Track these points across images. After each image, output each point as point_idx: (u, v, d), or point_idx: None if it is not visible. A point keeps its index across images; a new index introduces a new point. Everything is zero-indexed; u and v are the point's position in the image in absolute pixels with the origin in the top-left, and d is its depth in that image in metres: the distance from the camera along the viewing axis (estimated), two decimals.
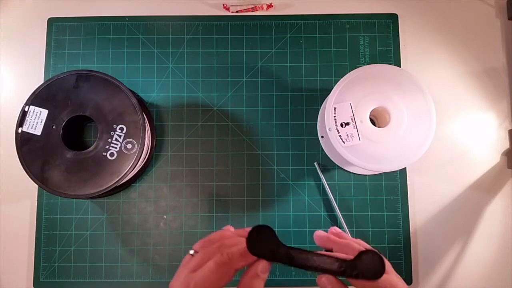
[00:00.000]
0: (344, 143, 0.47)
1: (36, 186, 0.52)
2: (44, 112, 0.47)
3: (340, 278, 0.30)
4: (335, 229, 0.38)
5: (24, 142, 0.47)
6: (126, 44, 0.57)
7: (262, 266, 0.29)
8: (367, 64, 0.56)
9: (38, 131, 0.47)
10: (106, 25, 0.57)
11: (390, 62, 0.56)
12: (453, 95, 0.56)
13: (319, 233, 0.36)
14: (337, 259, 0.29)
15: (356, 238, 0.41)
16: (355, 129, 0.47)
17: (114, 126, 0.48)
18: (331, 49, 0.56)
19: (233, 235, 0.33)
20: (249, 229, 0.30)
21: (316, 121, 0.55)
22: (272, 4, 0.57)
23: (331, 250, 0.35)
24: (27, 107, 0.47)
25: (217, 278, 0.29)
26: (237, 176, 0.54)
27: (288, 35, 0.57)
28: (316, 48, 0.56)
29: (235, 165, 0.54)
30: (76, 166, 0.47)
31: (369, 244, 0.35)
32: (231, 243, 0.31)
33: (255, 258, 0.29)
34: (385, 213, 0.53)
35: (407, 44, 0.57)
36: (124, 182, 0.49)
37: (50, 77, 0.49)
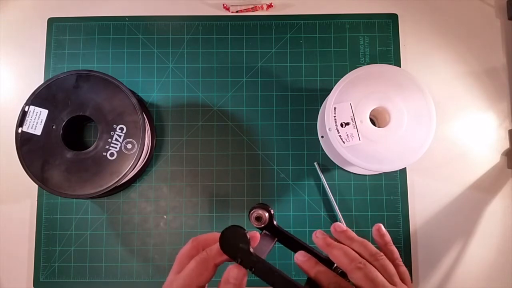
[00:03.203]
0: (344, 143, 0.47)
1: (36, 186, 0.52)
2: (44, 112, 0.47)
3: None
4: (338, 226, 0.36)
5: (24, 142, 0.47)
6: (126, 44, 0.57)
7: (233, 272, 0.29)
8: (367, 64, 0.56)
9: (38, 131, 0.47)
10: (106, 25, 0.57)
11: (390, 62, 0.56)
12: (453, 95, 0.56)
13: (318, 235, 0.35)
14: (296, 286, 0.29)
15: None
16: (355, 129, 0.47)
17: (114, 126, 0.48)
18: (331, 49, 0.56)
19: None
20: (253, 233, 0.32)
21: (316, 121, 0.55)
22: (272, 4, 0.57)
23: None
24: (27, 107, 0.47)
25: (197, 274, 0.30)
26: (237, 176, 0.54)
27: (288, 35, 0.57)
28: (316, 48, 0.56)
29: (235, 165, 0.54)
30: (76, 166, 0.47)
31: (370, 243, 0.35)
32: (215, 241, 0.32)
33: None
34: (385, 213, 0.53)
35: (407, 44, 0.57)
36: (124, 182, 0.49)
37: (50, 77, 0.49)
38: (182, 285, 0.30)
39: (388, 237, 0.36)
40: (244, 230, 0.30)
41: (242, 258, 0.30)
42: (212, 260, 0.30)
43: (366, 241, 0.35)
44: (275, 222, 0.35)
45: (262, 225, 0.35)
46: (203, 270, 0.30)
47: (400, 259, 0.35)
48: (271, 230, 0.35)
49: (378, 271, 0.32)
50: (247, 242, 0.30)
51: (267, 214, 0.35)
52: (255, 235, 0.32)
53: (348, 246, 0.34)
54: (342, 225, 0.36)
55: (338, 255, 0.33)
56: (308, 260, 0.33)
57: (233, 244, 0.30)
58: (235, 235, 0.30)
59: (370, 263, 0.32)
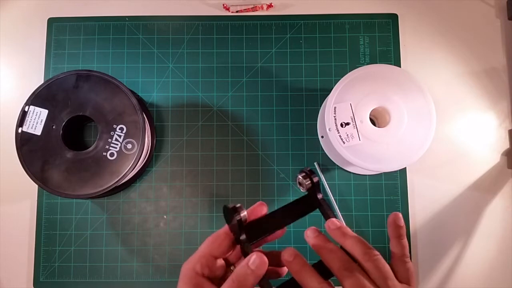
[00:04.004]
0: (344, 143, 0.47)
1: (36, 186, 0.52)
2: (44, 112, 0.47)
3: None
4: (332, 223, 0.33)
5: (24, 142, 0.47)
6: (126, 44, 0.57)
7: (254, 258, 0.29)
8: (367, 64, 0.56)
9: (38, 131, 0.47)
10: (106, 25, 0.57)
11: (390, 62, 0.56)
12: (453, 95, 0.56)
13: (309, 234, 0.33)
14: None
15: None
16: (355, 129, 0.47)
17: (114, 126, 0.48)
18: (331, 49, 0.56)
19: None
20: (256, 205, 0.34)
21: (316, 121, 0.55)
22: (272, 4, 0.57)
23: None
24: (27, 107, 0.47)
25: (211, 242, 0.32)
26: (237, 176, 0.54)
27: (288, 35, 0.57)
28: (316, 48, 0.56)
29: (235, 165, 0.54)
30: (76, 166, 0.47)
31: (369, 243, 0.35)
32: None
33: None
34: (385, 213, 0.53)
35: (407, 44, 0.57)
36: (124, 182, 0.49)
37: (50, 77, 0.49)
38: (198, 254, 0.32)
39: (404, 230, 0.33)
40: (236, 214, 0.31)
41: (236, 239, 0.32)
42: (223, 231, 0.32)
43: (360, 238, 0.32)
44: (319, 196, 0.35)
45: (304, 190, 0.35)
46: (216, 239, 0.32)
47: (408, 255, 0.33)
48: (310, 200, 0.35)
49: (370, 272, 0.30)
50: (236, 230, 0.31)
51: (308, 182, 0.35)
52: (255, 209, 0.33)
53: (341, 244, 0.32)
54: (336, 221, 0.33)
55: (328, 260, 0.31)
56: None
57: (230, 224, 0.32)
58: (229, 218, 0.32)
59: (363, 263, 0.30)
